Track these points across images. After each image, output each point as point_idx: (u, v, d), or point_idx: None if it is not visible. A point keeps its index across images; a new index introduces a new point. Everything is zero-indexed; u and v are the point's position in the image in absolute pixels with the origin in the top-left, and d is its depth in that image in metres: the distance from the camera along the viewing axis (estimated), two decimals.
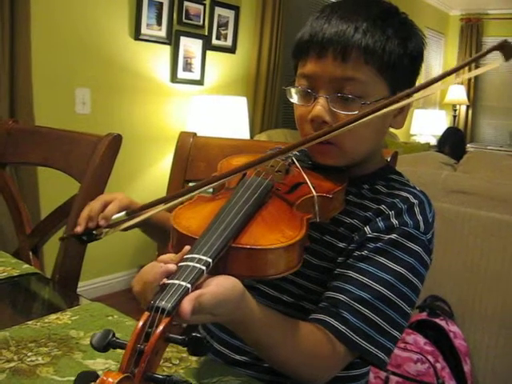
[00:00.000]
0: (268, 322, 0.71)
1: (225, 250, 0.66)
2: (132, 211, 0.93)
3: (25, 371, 0.75)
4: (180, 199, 0.84)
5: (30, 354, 0.80)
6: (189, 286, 0.58)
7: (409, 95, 0.77)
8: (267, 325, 0.71)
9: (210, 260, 0.63)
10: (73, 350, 0.82)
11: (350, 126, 0.76)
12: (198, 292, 0.59)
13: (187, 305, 0.56)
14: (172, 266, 0.62)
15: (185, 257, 0.63)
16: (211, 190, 0.94)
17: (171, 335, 0.54)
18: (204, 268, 0.61)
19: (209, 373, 0.78)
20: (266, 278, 0.71)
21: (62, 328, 0.89)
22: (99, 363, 0.78)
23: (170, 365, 0.79)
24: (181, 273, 0.60)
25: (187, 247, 0.66)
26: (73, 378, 0.74)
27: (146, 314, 0.55)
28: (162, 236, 1.05)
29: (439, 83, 0.73)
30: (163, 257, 0.66)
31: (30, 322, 0.90)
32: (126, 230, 0.96)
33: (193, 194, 0.83)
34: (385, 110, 0.76)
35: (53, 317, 0.93)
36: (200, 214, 0.77)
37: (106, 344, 0.55)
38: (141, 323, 0.54)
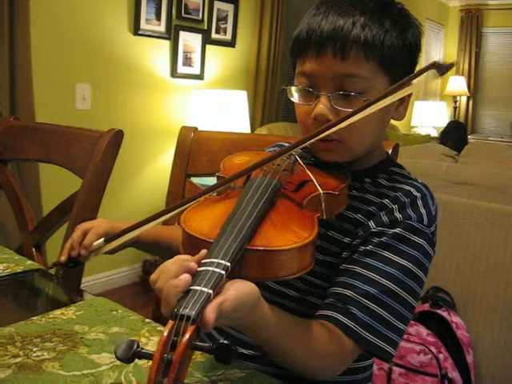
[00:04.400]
0: (279, 326, 0.71)
1: (241, 252, 0.66)
2: (111, 237, 0.96)
3: (30, 366, 0.76)
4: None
5: (35, 349, 0.81)
6: (211, 291, 0.57)
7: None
8: (278, 328, 0.71)
9: (229, 264, 0.62)
10: (78, 345, 0.82)
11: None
12: (219, 299, 0.58)
13: (212, 314, 0.56)
14: (193, 264, 0.61)
15: (203, 261, 0.62)
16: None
17: (197, 343, 0.54)
18: (223, 272, 0.61)
19: (214, 366, 0.78)
20: (281, 278, 0.70)
21: (67, 323, 0.90)
22: (104, 357, 0.79)
23: None
24: (201, 278, 0.59)
25: (204, 251, 0.65)
26: (78, 373, 0.75)
27: (171, 322, 0.54)
28: (160, 252, 1.06)
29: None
30: (182, 256, 0.65)
31: (34, 318, 0.91)
32: (112, 252, 1.00)
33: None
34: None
35: (57, 312, 0.94)
36: (210, 215, 0.76)
37: (131, 355, 0.54)
38: (166, 332, 0.53)
